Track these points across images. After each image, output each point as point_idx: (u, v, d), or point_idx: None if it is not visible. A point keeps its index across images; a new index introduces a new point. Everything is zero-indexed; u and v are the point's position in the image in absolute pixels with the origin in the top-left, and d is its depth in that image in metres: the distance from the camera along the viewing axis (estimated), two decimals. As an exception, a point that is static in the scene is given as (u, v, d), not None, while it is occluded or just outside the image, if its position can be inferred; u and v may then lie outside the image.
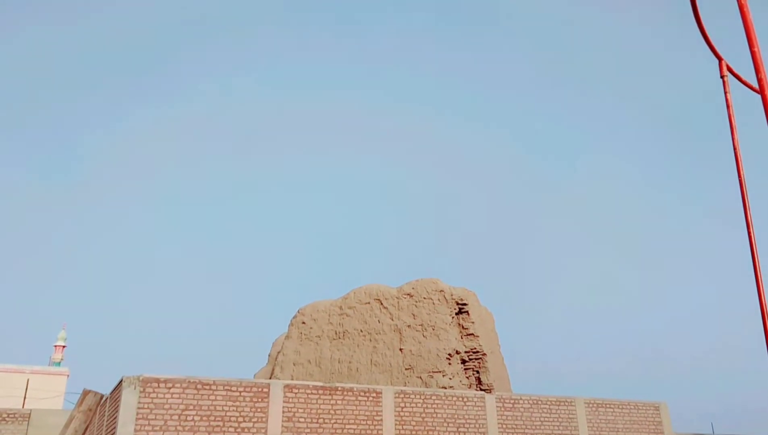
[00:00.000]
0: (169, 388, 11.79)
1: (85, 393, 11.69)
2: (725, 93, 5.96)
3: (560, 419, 15.07)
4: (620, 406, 15.91)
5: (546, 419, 14.94)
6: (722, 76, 6.14)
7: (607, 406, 15.74)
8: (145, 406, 11.44)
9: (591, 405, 15.58)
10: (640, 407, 16.10)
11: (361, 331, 18.68)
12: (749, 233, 5.19)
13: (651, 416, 16.10)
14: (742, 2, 4.93)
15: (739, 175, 5.35)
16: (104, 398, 11.03)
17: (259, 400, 12.50)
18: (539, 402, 15.07)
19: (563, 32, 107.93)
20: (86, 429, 11.21)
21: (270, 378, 20.02)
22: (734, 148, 5.43)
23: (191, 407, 11.84)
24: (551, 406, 15.14)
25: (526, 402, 14.93)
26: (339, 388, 13.28)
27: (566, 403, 15.33)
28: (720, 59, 6.13)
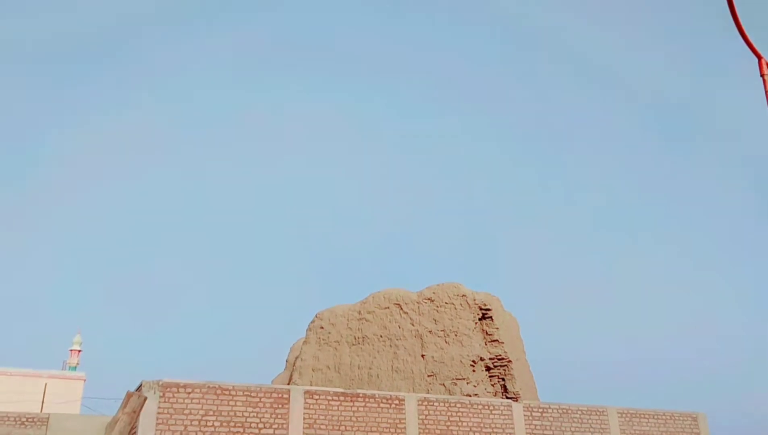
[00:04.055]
0: (189, 393, 11.52)
1: (129, 395, 11.56)
2: (765, 91, 5.62)
3: (592, 429, 14.44)
4: (655, 417, 15.20)
5: (577, 429, 14.33)
6: (762, 75, 5.81)
7: (642, 416, 15.05)
8: (165, 411, 11.18)
9: (624, 415, 14.91)
10: (677, 418, 15.37)
11: (381, 336, 18.26)
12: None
13: (688, 427, 15.35)
14: None
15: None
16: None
17: (280, 406, 12.16)
18: (569, 411, 14.47)
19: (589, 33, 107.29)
20: (131, 431, 11.05)
21: (288, 384, 19.67)
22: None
23: (211, 413, 11.55)
24: (582, 416, 14.52)
25: (555, 411, 14.34)
26: (361, 395, 12.88)
27: (598, 413, 14.70)
28: (759, 57, 5.79)
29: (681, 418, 15.41)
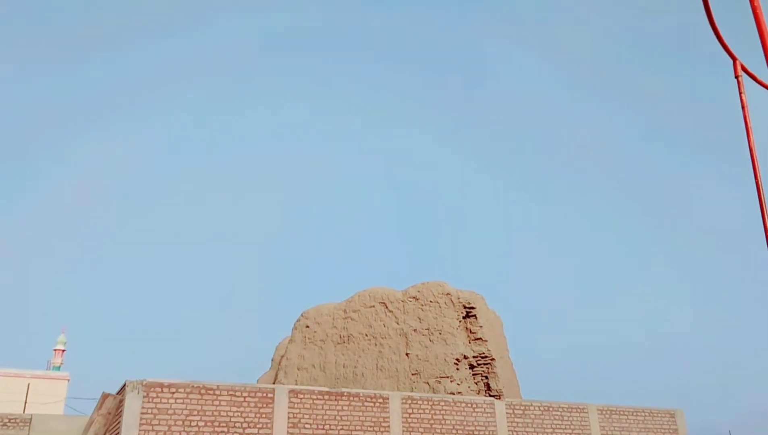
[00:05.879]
0: (173, 393, 11.52)
1: (105, 396, 11.49)
2: (740, 93, 5.75)
3: (572, 426, 14.73)
4: (634, 413, 15.54)
5: (558, 426, 14.60)
6: (737, 77, 5.93)
7: (621, 413, 15.38)
8: (149, 411, 11.16)
9: (604, 412, 15.23)
10: (655, 414, 15.72)
11: (366, 335, 18.39)
12: (767, 237, 4.92)
13: (666, 424, 15.72)
14: (756, 3, 4.83)
15: (756, 178, 5.11)
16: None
17: (264, 405, 12.20)
18: (551, 408, 14.74)
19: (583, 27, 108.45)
20: (105, 432, 11.00)
21: (274, 383, 19.70)
22: (750, 150, 5.20)
23: (195, 413, 11.56)
24: (563, 413, 14.79)
25: (537, 408, 14.59)
26: (345, 394, 12.98)
27: (579, 410, 14.99)
28: (734, 59, 5.91)
29: (659, 415, 15.78)
